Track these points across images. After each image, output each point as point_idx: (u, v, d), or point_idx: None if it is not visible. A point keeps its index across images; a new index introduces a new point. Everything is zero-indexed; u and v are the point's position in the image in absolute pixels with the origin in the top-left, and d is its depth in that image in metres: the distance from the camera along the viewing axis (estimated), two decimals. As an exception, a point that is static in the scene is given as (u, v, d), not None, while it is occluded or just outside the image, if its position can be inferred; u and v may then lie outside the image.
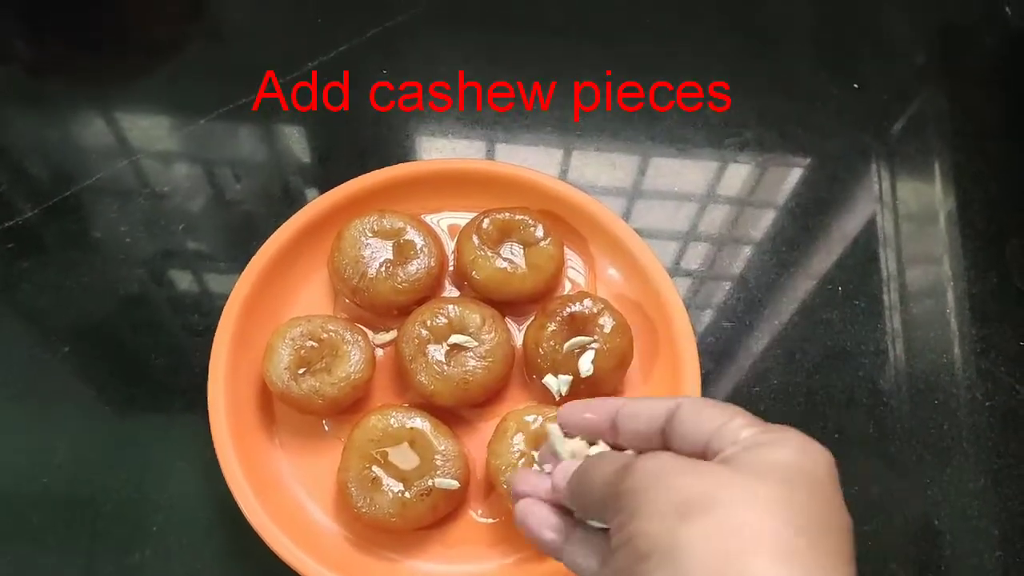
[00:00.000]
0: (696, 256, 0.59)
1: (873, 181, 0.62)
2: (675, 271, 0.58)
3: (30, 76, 0.66)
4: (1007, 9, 0.70)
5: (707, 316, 0.57)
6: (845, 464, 0.50)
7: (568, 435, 0.36)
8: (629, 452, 0.32)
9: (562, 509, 0.34)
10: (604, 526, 0.31)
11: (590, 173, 0.61)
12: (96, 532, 0.48)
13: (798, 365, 0.55)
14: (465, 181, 0.55)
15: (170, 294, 0.56)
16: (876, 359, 0.55)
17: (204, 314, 0.54)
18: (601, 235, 0.54)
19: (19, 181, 0.59)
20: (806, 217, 0.60)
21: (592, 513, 0.32)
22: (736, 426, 0.29)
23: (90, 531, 0.48)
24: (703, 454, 0.30)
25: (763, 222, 0.60)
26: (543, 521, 0.34)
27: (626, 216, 0.60)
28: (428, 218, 0.55)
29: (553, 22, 0.68)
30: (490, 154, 0.62)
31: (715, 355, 0.55)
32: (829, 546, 0.26)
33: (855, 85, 0.66)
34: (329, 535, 0.47)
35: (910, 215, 0.61)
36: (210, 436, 0.46)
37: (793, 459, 0.28)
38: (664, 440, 0.31)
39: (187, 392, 0.51)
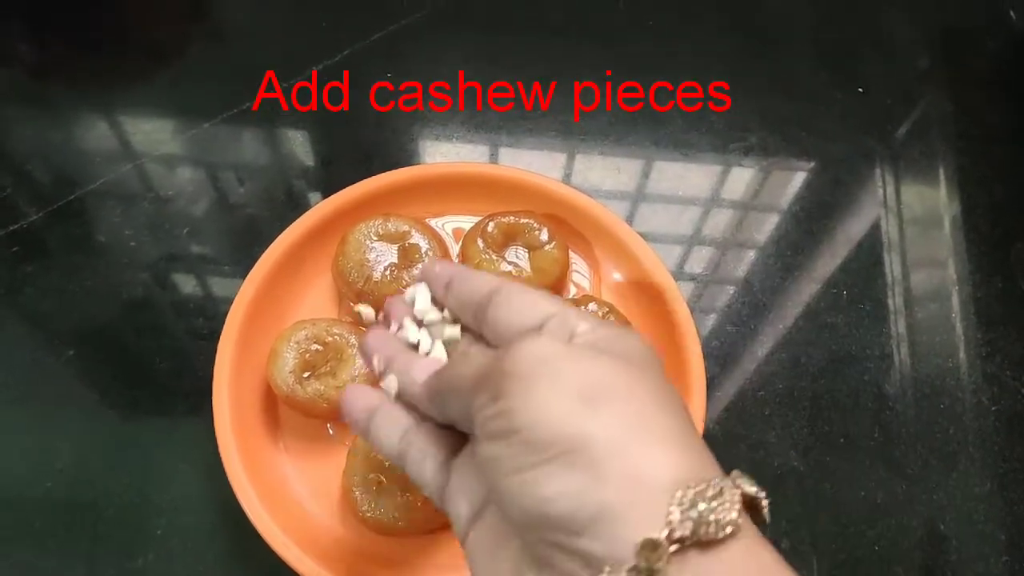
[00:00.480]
0: (700, 260, 0.58)
1: (877, 185, 0.62)
2: (679, 275, 0.58)
3: (32, 79, 0.66)
4: (1011, 13, 0.70)
5: (712, 320, 0.56)
6: (850, 468, 0.51)
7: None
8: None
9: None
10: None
11: (594, 177, 0.61)
12: (98, 536, 0.48)
13: (803, 369, 0.54)
14: (469, 185, 0.55)
15: (174, 298, 0.56)
16: (881, 363, 0.55)
17: (208, 318, 0.54)
18: (606, 239, 0.54)
19: (23, 185, 0.59)
20: (810, 221, 0.60)
21: (455, 406, 0.30)
22: (573, 318, 0.30)
23: (92, 535, 0.48)
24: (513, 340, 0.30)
25: (767, 226, 0.60)
26: (367, 402, 0.35)
27: (630, 220, 0.59)
28: (433, 222, 0.55)
29: (554, 23, 0.68)
30: (493, 157, 0.62)
31: (720, 359, 0.55)
32: (695, 433, 0.27)
33: (859, 88, 0.66)
34: (333, 539, 0.46)
35: (914, 219, 0.61)
36: (213, 440, 0.46)
37: (641, 350, 0.29)
38: (479, 316, 0.32)
39: (190, 396, 0.51)
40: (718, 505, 0.24)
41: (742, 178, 0.62)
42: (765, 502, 0.26)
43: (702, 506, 0.24)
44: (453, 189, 0.55)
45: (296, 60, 0.64)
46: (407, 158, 0.61)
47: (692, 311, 0.51)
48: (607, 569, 0.24)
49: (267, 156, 0.62)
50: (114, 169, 0.60)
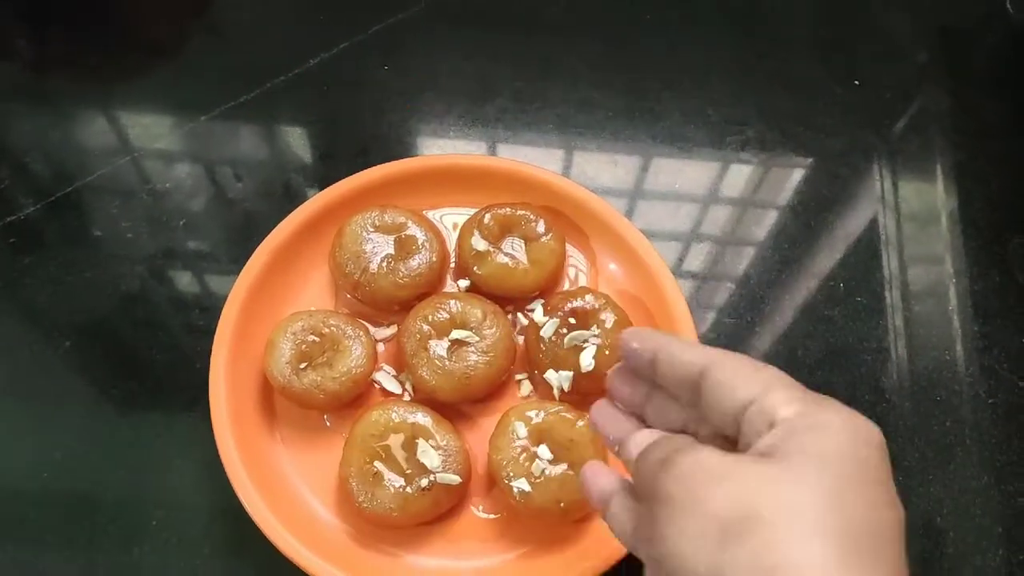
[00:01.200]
0: (698, 254, 0.58)
1: (875, 179, 0.62)
2: (677, 269, 0.58)
3: (31, 73, 0.66)
4: (1009, 7, 0.70)
5: (709, 314, 0.56)
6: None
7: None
8: (680, 438, 0.30)
9: None
10: None
11: (591, 171, 0.61)
12: (95, 528, 0.48)
13: (800, 362, 0.54)
14: (466, 177, 0.55)
15: (171, 291, 0.56)
16: (878, 356, 0.55)
17: (204, 310, 0.54)
18: (602, 231, 0.54)
19: (20, 177, 0.59)
20: (807, 215, 0.60)
21: (644, 495, 0.29)
22: (773, 403, 0.27)
23: (89, 527, 0.48)
24: (735, 425, 0.28)
25: (765, 220, 0.60)
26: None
27: (628, 214, 0.59)
28: (430, 214, 0.55)
29: (551, 17, 0.68)
30: (490, 150, 0.62)
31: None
32: (879, 553, 0.24)
33: (856, 83, 0.66)
34: (330, 529, 0.46)
35: (912, 213, 0.61)
36: (210, 432, 0.46)
37: (839, 447, 0.25)
38: (696, 395, 0.30)
39: (187, 389, 0.51)
40: None
41: (739, 172, 0.62)
42: None
43: None
44: (450, 181, 0.55)
45: (294, 54, 0.64)
46: (404, 151, 0.61)
47: (689, 304, 0.51)
48: None
49: (264, 150, 0.62)
50: (111, 162, 0.60)
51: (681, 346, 0.31)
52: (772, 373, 0.29)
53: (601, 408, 0.36)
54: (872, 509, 0.25)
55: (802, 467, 0.25)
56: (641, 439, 0.31)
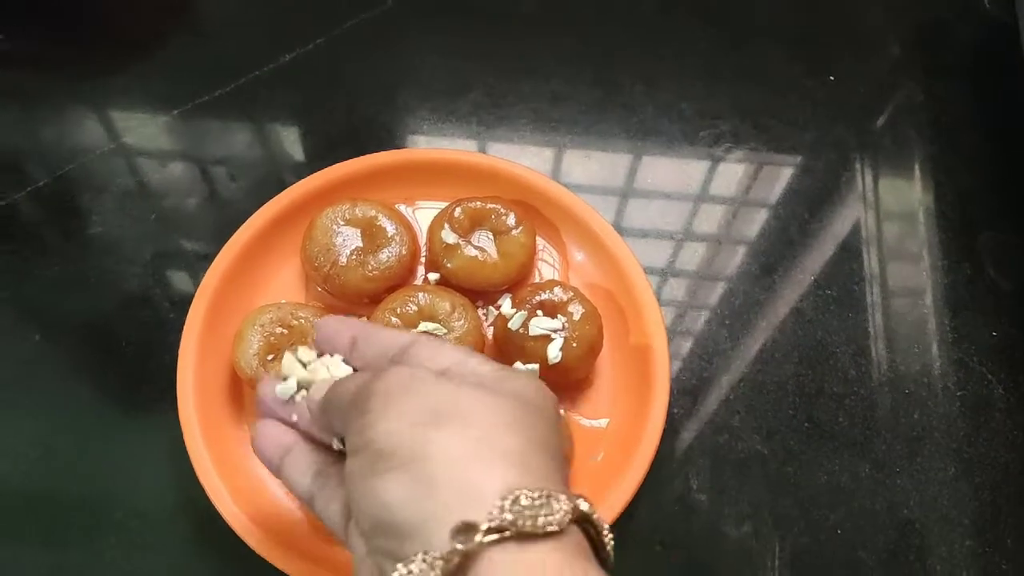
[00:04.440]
0: (669, 248, 0.58)
1: (847, 174, 0.62)
2: (648, 263, 0.58)
3: (10, 68, 0.66)
4: (985, 1, 0.70)
5: (679, 307, 0.57)
6: (815, 453, 0.51)
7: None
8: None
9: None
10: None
11: (564, 165, 0.61)
12: (61, 521, 0.48)
13: (769, 354, 0.55)
14: (438, 170, 0.55)
15: (143, 282, 0.56)
16: (847, 348, 0.55)
17: (175, 303, 0.54)
18: (573, 224, 0.54)
19: (-4, 170, 0.60)
20: (780, 209, 0.60)
21: (337, 423, 0.32)
22: (475, 363, 0.31)
23: (55, 521, 0.48)
24: None
25: (738, 214, 0.60)
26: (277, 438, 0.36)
27: (600, 209, 0.59)
28: (402, 207, 0.56)
29: (527, 12, 0.68)
30: (465, 145, 0.62)
31: (686, 343, 0.55)
32: (551, 463, 0.28)
33: (831, 77, 0.66)
34: (296, 522, 0.46)
35: (886, 208, 0.61)
36: (178, 424, 0.46)
37: (527, 390, 0.30)
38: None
39: (156, 381, 0.51)
40: (543, 506, 0.25)
41: (713, 167, 0.62)
42: (608, 537, 0.28)
43: (525, 502, 0.25)
44: (421, 175, 0.55)
45: (269, 49, 0.64)
46: (378, 146, 0.61)
47: (659, 298, 0.51)
48: (421, 555, 0.24)
49: (238, 144, 0.61)
50: (84, 156, 0.60)
51: (379, 328, 0.36)
52: (470, 349, 0.34)
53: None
54: (549, 433, 0.30)
55: (500, 393, 0.30)
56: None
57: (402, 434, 0.27)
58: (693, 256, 0.58)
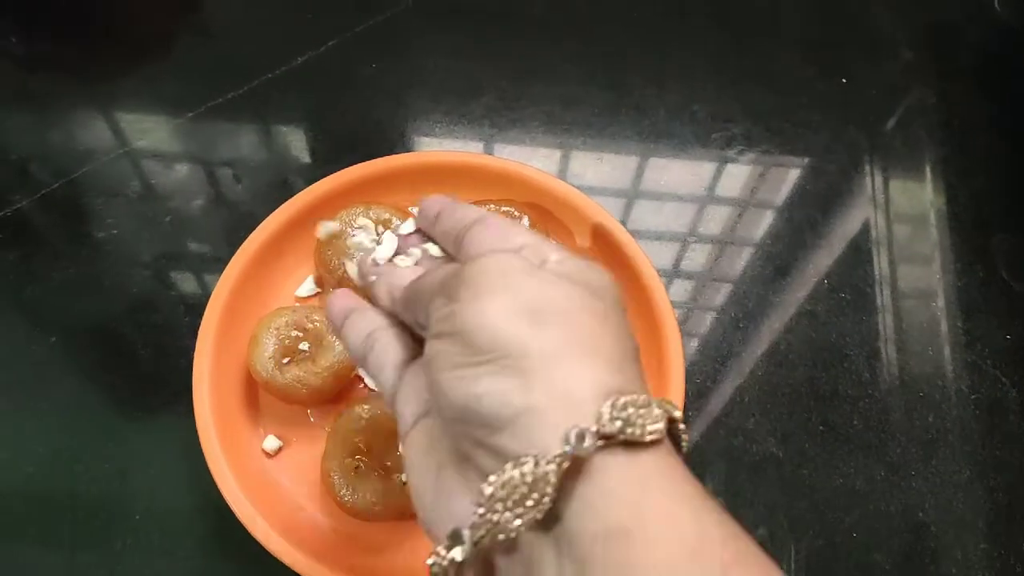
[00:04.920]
0: (682, 251, 0.59)
1: (859, 175, 0.62)
2: (661, 265, 0.58)
3: (23, 71, 0.66)
4: (996, 4, 0.70)
5: (694, 310, 0.57)
6: (829, 455, 0.51)
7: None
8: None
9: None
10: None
11: (577, 168, 0.61)
12: (77, 522, 0.48)
13: (783, 357, 0.55)
14: (451, 173, 0.55)
15: (157, 286, 0.56)
16: (861, 351, 0.55)
17: (190, 307, 0.55)
18: (586, 227, 0.54)
19: (9, 172, 0.60)
20: (793, 211, 0.60)
21: (421, 310, 0.31)
22: (548, 249, 0.30)
23: (71, 521, 0.48)
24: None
25: (750, 216, 0.60)
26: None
27: (613, 211, 0.59)
28: (415, 210, 0.55)
29: (538, 15, 0.69)
30: (477, 147, 0.62)
31: (701, 345, 0.55)
32: (635, 363, 0.28)
33: (843, 80, 0.66)
34: (312, 524, 0.47)
35: (897, 210, 0.61)
36: (194, 427, 0.46)
37: (602, 282, 0.29)
38: (458, 243, 0.33)
39: (172, 383, 0.51)
40: (645, 412, 0.25)
41: (725, 169, 0.62)
42: (685, 434, 0.27)
43: (631, 410, 0.25)
44: (434, 178, 0.55)
45: (282, 52, 0.65)
46: (391, 149, 0.62)
47: (673, 300, 0.51)
48: (533, 457, 0.24)
49: (251, 147, 0.62)
50: (98, 159, 0.60)
51: (461, 204, 0.36)
52: (536, 233, 0.32)
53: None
54: (625, 325, 0.29)
55: (587, 287, 0.28)
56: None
57: (496, 328, 0.26)
58: (706, 258, 0.58)
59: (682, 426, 0.27)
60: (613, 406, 0.25)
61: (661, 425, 0.25)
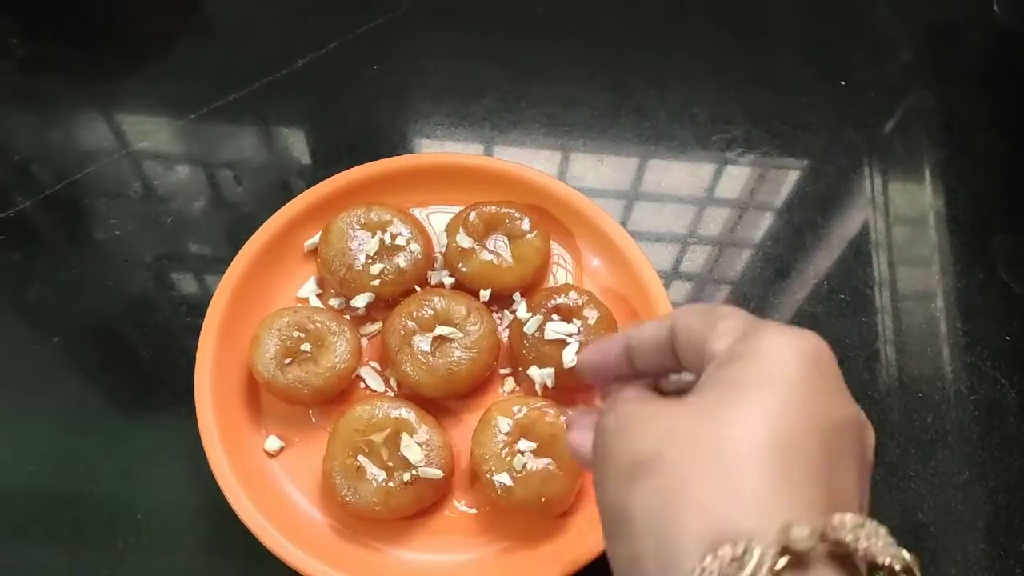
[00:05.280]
0: (682, 253, 0.59)
1: (860, 177, 0.62)
2: (661, 268, 0.58)
3: (24, 72, 0.66)
4: (995, 6, 0.70)
5: (693, 310, 0.57)
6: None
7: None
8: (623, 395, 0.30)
9: None
10: None
11: (578, 170, 0.62)
12: (79, 521, 0.48)
13: (783, 358, 0.55)
14: (452, 175, 0.55)
15: (159, 286, 0.56)
16: (860, 353, 0.55)
17: (192, 307, 0.55)
18: (587, 228, 0.54)
19: (11, 174, 0.60)
20: (792, 213, 0.60)
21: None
22: (711, 339, 0.27)
23: (74, 520, 0.48)
24: (699, 366, 0.28)
25: (750, 218, 0.60)
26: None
27: (613, 213, 0.60)
28: (416, 211, 0.56)
29: (539, 16, 0.69)
30: (478, 149, 0.63)
31: (701, 348, 0.55)
32: (810, 467, 0.23)
33: (842, 82, 0.66)
34: (314, 524, 0.47)
35: (897, 211, 0.61)
36: (196, 426, 0.46)
37: (762, 371, 0.25)
38: (672, 355, 0.30)
39: (174, 384, 0.51)
40: (739, 569, 0.21)
41: (725, 171, 0.62)
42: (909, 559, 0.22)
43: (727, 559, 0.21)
44: (435, 179, 0.56)
45: (283, 54, 0.65)
46: (392, 150, 0.62)
47: (673, 303, 0.51)
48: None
49: (253, 148, 0.62)
50: (100, 160, 0.60)
51: (643, 327, 0.31)
52: (719, 311, 0.28)
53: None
54: (805, 430, 0.24)
55: (716, 400, 0.25)
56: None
57: (609, 501, 0.26)
58: (706, 260, 0.58)
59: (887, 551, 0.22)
60: (710, 559, 0.21)
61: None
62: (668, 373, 0.32)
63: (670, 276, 0.58)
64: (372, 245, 0.51)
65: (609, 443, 0.27)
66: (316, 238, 0.53)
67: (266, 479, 0.48)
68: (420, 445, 0.46)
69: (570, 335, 0.48)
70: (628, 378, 0.33)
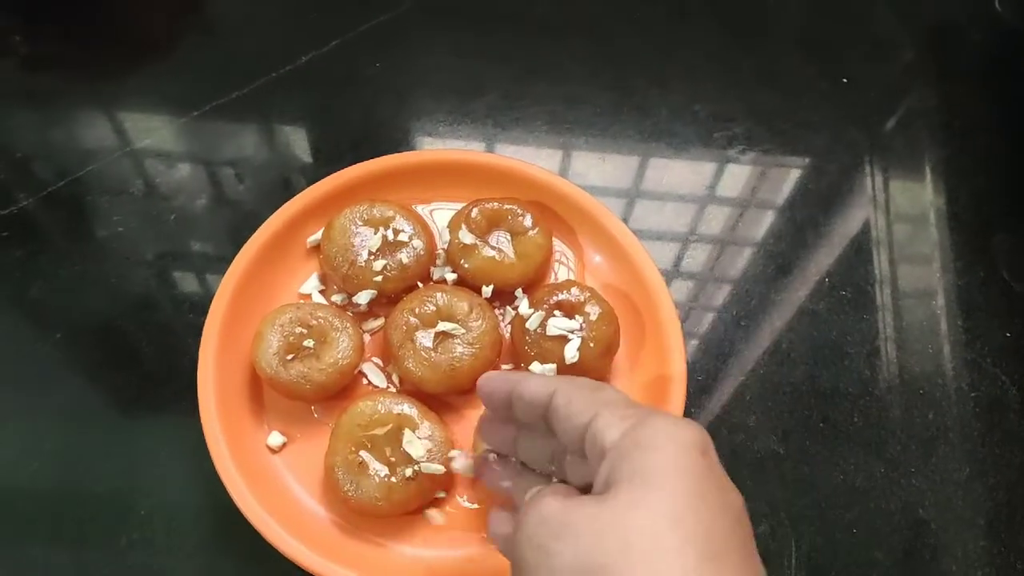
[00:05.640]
0: (685, 250, 0.59)
1: (862, 175, 0.63)
2: (663, 265, 0.58)
3: (27, 70, 0.66)
4: (997, 5, 0.70)
5: (696, 309, 0.57)
6: (830, 453, 0.51)
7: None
8: (534, 489, 0.33)
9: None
10: None
11: (580, 167, 0.62)
12: (83, 517, 0.48)
13: (784, 355, 0.55)
14: (454, 171, 0.56)
15: (161, 283, 0.56)
16: (862, 349, 0.55)
17: (194, 304, 0.55)
18: (589, 225, 0.54)
19: (14, 171, 0.60)
20: (794, 211, 0.61)
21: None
22: (600, 428, 0.28)
23: (77, 516, 0.48)
24: (580, 450, 0.30)
25: (752, 216, 0.61)
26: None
27: (615, 210, 0.60)
28: (419, 208, 0.56)
29: (541, 14, 0.69)
30: (481, 146, 0.63)
31: (702, 344, 0.55)
32: (730, 554, 0.26)
33: (844, 80, 0.66)
34: (317, 519, 0.47)
35: (898, 209, 0.61)
36: (198, 423, 0.47)
37: (665, 465, 0.27)
38: (547, 421, 0.32)
39: (176, 380, 0.51)
40: None
41: (727, 169, 0.62)
42: None
43: None
44: (438, 176, 0.56)
45: (285, 51, 0.65)
46: (394, 147, 0.62)
47: (676, 300, 0.51)
48: None
49: (255, 146, 0.62)
50: (103, 158, 0.60)
51: (529, 380, 0.33)
52: (604, 395, 0.30)
53: (483, 462, 0.40)
54: (712, 514, 0.26)
55: (633, 498, 0.26)
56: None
57: None
58: (707, 257, 0.59)
59: None
60: None
61: None
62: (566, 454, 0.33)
63: (672, 273, 0.58)
64: (375, 241, 0.51)
65: (546, 544, 0.27)
66: (319, 234, 0.53)
67: (269, 475, 0.48)
68: (422, 441, 0.46)
69: (572, 331, 0.49)
70: (509, 417, 0.35)
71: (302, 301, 0.52)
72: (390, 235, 0.52)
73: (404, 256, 0.51)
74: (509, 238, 0.53)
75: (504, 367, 0.52)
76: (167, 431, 0.51)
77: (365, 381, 0.51)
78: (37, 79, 0.65)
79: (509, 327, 0.52)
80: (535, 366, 0.49)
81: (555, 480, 0.34)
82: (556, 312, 0.49)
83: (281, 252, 0.53)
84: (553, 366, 0.48)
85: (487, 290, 0.52)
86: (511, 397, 0.34)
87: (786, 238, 0.59)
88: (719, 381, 0.54)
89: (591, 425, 0.29)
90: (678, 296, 0.57)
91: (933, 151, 0.64)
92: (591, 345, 0.48)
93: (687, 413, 0.51)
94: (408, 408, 0.47)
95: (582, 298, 0.50)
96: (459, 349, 0.48)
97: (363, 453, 0.45)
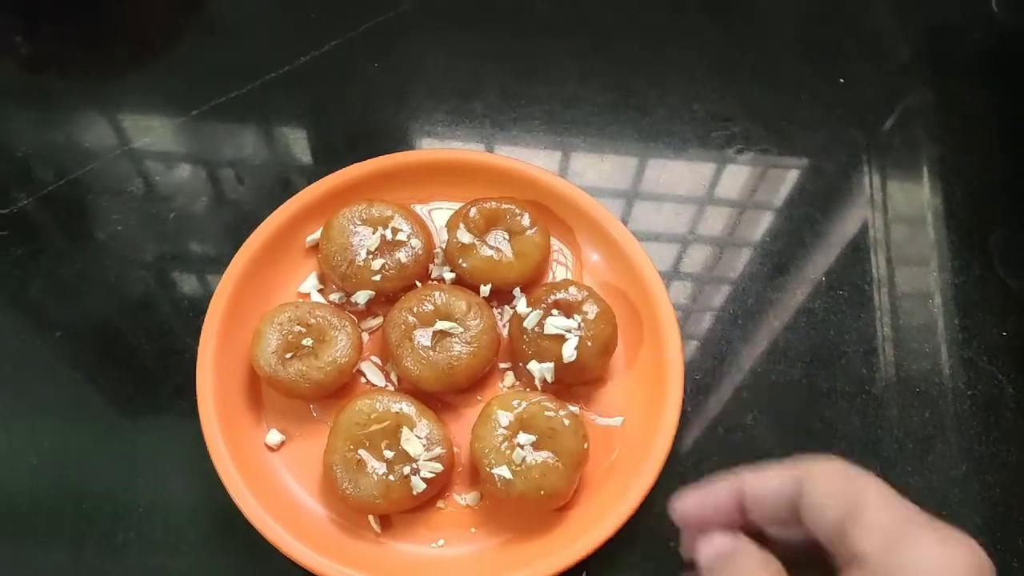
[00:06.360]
0: (683, 250, 0.59)
1: (859, 175, 0.63)
2: (662, 264, 0.58)
3: (26, 69, 0.66)
4: (994, 5, 0.70)
5: (694, 308, 0.57)
6: (827, 451, 0.51)
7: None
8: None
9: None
10: None
11: (578, 167, 0.62)
12: (81, 515, 0.48)
13: (781, 354, 0.55)
14: (452, 171, 0.56)
15: (160, 282, 0.56)
16: (859, 348, 0.55)
17: (193, 302, 0.55)
18: (586, 224, 0.55)
19: (13, 170, 0.60)
20: (791, 210, 0.61)
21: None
22: (857, 531, 0.26)
23: (75, 514, 0.48)
24: (831, 545, 0.27)
25: (750, 215, 0.61)
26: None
27: (614, 210, 0.60)
28: (417, 207, 0.56)
29: (540, 14, 0.69)
30: (478, 146, 0.63)
31: (699, 343, 0.55)
32: None
33: (841, 80, 0.66)
34: (315, 517, 0.47)
35: (895, 208, 0.62)
36: (197, 421, 0.47)
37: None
38: (795, 515, 0.28)
39: (175, 378, 0.51)
40: None
41: (725, 168, 0.62)
42: None
43: None
44: (436, 175, 0.56)
45: (284, 52, 0.65)
46: (393, 147, 0.61)
47: (674, 299, 0.52)
48: None
49: (254, 145, 0.62)
50: (102, 157, 0.60)
51: (760, 479, 0.29)
52: (863, 486, 0.27)
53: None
54: None
55: None
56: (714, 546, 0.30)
57: None
58: (705, 257, 0.59)
59: None
60: None
61: None
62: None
63: (670, 273, 0.58)
64: (373, 241, 0.51)
65: None
66: (317, 234, 0.54)
67: (267, 473, 0.48)
68: (420, 439, 0.46)
69: (570, 330, 0.49)
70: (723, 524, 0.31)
71: (301, 300, 0.52)
72: (388, 234, 0.52)
73: (402, 255, 0.52)
74: (507, 237, 0.53)
75: (502, 366, 0.52)
76: (166, 429, 0.51)
77: (363, 380, 0.51)
78: (37, 78, 0.65)
79: (507, 326, 0.52)
80: (533, 365, 0.49)
81: None
82: (554, 311, 0.50)
83: (280, 251, 0.53)
84: (551, 365, 0.48)
85: (485, 289, 0.52)
86: (739, 500, 0.30)
87: (783, 237, 0.59)
88: (717, 380, 0.54)
89: (847, 523, 0.26)
90: (676, 295, 0.57)
91: (931, 150, 0.64)
92: (589, 344, 0.49)
93: (684, 411, 0.51)
94: (406, 406, 0.47)
95: (580, 297, 0.50)
96: (457, 348, 0.49)
97: (361, 451, 0.46)
